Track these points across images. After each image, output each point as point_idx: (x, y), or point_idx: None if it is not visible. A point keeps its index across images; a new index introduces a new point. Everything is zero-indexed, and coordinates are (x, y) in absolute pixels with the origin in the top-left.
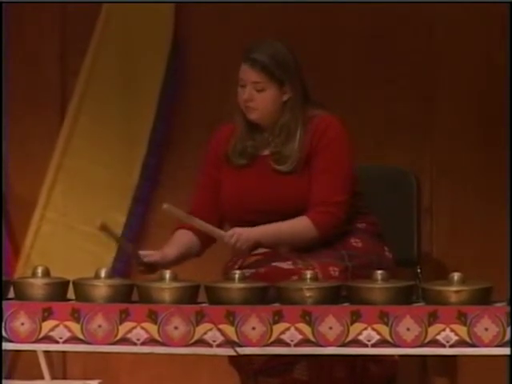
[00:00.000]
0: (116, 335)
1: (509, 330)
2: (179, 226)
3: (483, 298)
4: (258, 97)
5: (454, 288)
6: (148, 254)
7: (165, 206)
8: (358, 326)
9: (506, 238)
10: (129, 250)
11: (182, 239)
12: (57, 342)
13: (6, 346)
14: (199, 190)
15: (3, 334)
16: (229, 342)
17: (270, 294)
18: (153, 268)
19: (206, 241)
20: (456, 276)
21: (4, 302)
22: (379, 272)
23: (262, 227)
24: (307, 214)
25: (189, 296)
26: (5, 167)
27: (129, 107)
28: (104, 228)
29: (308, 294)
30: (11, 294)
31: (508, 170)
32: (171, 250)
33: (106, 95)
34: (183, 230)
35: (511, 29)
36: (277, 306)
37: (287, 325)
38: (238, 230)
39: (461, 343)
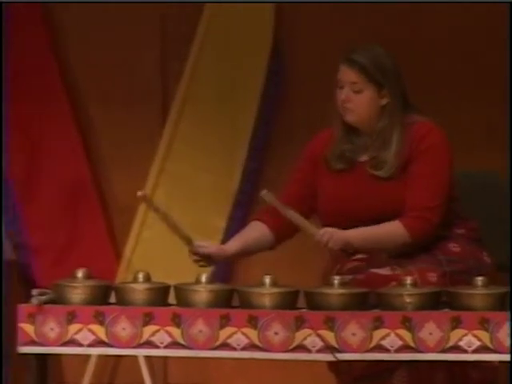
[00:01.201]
0: (216, 340)
1: None
2: (254, 218)
3: None
4: (356, 98)
5: None
6: (203, 245)
7: (264, 192)
8: (458, 332)
9: None
10: (176, 227)
11: (251, 232)
12: (157, 347)
13: (108, 351)
14: (290, 183)
15: (106, 340)
16: (328, 348)
17: (369, 300)
18: (209, 260)
19: (281, 235)
20: None
21: (105, 307)
22: (479, 278)
23: (355, 230)
24: (400, 218)
25: (289, 301)
26: (104, 170)
27: (229, 111)
28: (144, 199)
29: (408, 300)
30: (112, 299)
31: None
32: (233, 243)
33: (207, 99)
34: (256, 223)
35: (511, 29)
36: (377, 311)
37: (387, 331)
38: (330, 230)
39: None
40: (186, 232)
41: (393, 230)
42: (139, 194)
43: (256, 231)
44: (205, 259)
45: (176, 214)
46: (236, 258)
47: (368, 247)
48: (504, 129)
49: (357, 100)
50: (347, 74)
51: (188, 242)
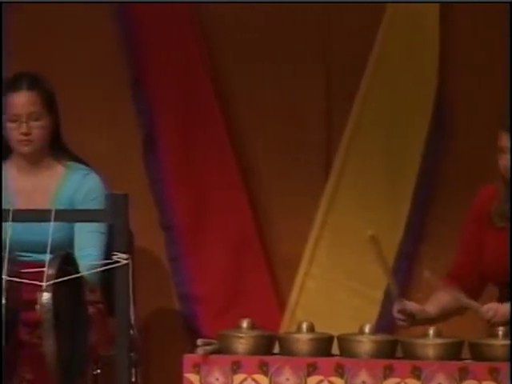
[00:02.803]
0: None
1: None
2: (445, 283)
3: None
4: None
5: None
6: (409, 304)
7: (427, 273)
8: None
9: None
10: (393, 286)
11: (444, 298)
12: None
13: None
14: (461, 250)
15: None
16: None
17: None
18: (411, 320)
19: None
20: None
21: (270, 357)
22: None
23: None
24: None
25: (453, 352)
26: (267, 221)
27: (392, 163)
28: (374, 240)
29: None
30: (276, 349)
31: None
32: (431, 307)
33: (370, 152)
34: (448, 288)
35: (511, 29)
36: None
37: None
38: (494, 306)
39: None
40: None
41: None
42: (369, 233)
43: (447, 297)
44: (408, 318)
45: (339, 265)
46: (432, 322)
47: None
48: None
49: None
50: (505, 139)
51: (398, 296)
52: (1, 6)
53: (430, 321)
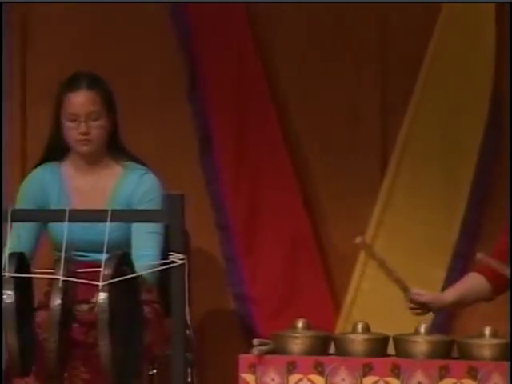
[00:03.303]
0: None
1: None
2: (473, 269)
3: None
4: None
5: None
6: (420, 293)
7: (479, 254)
8: None
9: None
10: (393, 274)
11: (467, 283)
12: None
13: None
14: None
15: None
16: None
17: None
18: (425, 308)
19: (499, 288)
20: None
21: (325, 358)
22: None
23: None
24: None
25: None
26: (323, 221)
27: (448, 163)
28: (362, 245)
29: None
30: (332, 350)
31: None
32: (451, 291)
33: (426, 152)
34: (473, 274)
35: (511, 28)
36: None
37: None
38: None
39: None
40: (403, 280)
41: None
42: (357, 240)
43: (471, 282)
44: (421, 307)
45: (394, 265)
46: (452, 307)
47: None
48: None
49: None
50: None
51: (405, 289)
52: (1, 6)
53: (448, 307)
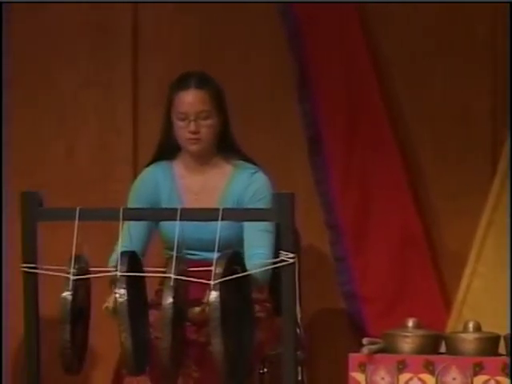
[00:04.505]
0: None
1: None
2: None
3: None
4: None
5: None
6: None
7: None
8: None
9: None
10: None
11: None
12: None
13: None
14: None
15: None
16: None
17: None
18: None
19: None
20: None
21: (436, 357)
22: None
23: None
24: None
25: None
26: (434, 221)
27: None
28: None
29: None
30: (443, 349)
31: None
32: None
33: None
34: None
35: (511, 28)
36: None
37: None
38: None
39: None
40: None
41: None
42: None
43: None
44: None
45: (506, 265)
46: None
47: None
48: None
49: None
50: None
51: None
52: (1, 6)
53: None
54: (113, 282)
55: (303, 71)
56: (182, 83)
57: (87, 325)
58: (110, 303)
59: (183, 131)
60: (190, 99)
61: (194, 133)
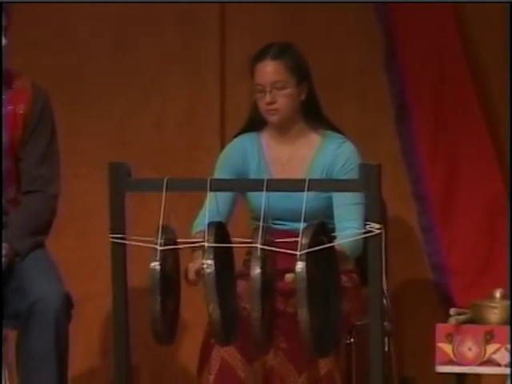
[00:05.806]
0: None
1: None
2: None
3: None
4: None
5: None
6: None
7: None
8: None
9: None
10: None
11: None
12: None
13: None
14: None
15: None
16: None
17: None
18: None
19: None
20: None
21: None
22: None
23: None
24: None
25: None
26: None
27: None
28: None
29: None
30: None
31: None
32: None
33: None
34: None
35: (511, 28)
36: None
37: None
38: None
39: None
40: None
41: None
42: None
43: None
44: None
45: None
46: None
47: None
48: None
49: None
50: None
51: None
52: (1, 6)
53: None
54: (195, 248)
55: (391, 41)
56: (259, 55)
57: (178, 295)
58: (194, 267)
59: (261, 102)
60: (264, 70)
61: (270, 103)
